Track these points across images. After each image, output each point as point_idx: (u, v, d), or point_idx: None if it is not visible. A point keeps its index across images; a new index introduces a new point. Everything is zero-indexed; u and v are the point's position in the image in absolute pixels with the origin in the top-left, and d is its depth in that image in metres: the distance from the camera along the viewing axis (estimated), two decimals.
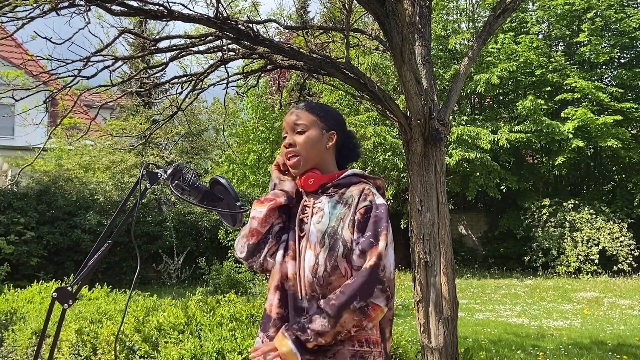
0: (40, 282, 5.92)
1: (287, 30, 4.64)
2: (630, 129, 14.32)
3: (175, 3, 3.14)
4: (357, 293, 1.45)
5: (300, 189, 1.67)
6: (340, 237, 1.53)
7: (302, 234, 1.60)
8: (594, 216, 13.46)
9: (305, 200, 1.65)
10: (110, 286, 5.69)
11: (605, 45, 14.30)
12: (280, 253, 1.61)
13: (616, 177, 15.87)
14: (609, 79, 15.26)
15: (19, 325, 4.23)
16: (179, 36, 3.66)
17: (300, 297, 1.55)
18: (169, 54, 3.80)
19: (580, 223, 13.45)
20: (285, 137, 1.68)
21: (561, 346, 5.88)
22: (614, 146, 13.00)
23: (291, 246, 1.59)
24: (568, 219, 13.59)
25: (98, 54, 3.56)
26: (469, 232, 16.55)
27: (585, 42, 14.01)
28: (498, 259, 14.95)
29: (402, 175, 13.53)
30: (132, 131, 13.22)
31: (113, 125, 14.75)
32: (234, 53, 3.82)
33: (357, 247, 1.51)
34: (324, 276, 1.51)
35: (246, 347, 2.80)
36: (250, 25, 3.19)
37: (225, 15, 3.09)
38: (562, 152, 13.52)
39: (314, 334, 1.44)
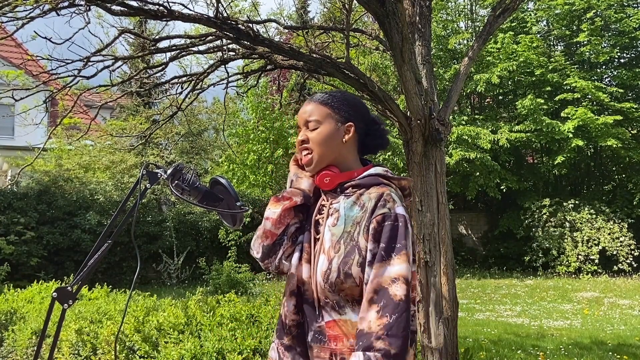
0: (40, 282, 5.93)
1: (287, 30, 4.64)
2: (630, 129, 14.32)
3: (175, 3, 3.15)
4: (405, 339, 1.30)
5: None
6: (357, 244, 1.40)
7: (317, 236, 1.49)
8: (594, 216, 13.46)
9: (323, 200, 1.54)
10: (110, 286, 5.69)
11: (605, 45, 14.30)
12: (296, 255, 1.51)
13: (616, 177, 15.87)
14: (609, 79, 15.26)
15: (19, 325, 4.24)
16: (179, 36, 3.66)
17: (314, 303, 1.46)
18: (169, 54, 3.80)
19: (581, 223, 13.45)
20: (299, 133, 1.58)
21: (561, 346, 5.88)
22: (614, 146, 13.00)
23: (306, 249, 1.50)
24: (568, 219, 13.60)
25: (98, 54, 3.56)
26: (469, 232, 16.55)
27: (585, 42, 14.01)
28: (498, 259, 14.95)
29: (402, 175, 13.53)
30: (132, 131, 13.22)
31: (113, 125, 14.75)
32: (234, 53, 3.82)
33: (370, 257, 1.37)
34: (337, 282, 1.40)
35: (246, 347, 2.80)
36: (250, 25, 3.19)
37: (225, 15, 3.09)
38: (562, 152, 13.53)
39: None
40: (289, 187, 1.60)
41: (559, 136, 13.22)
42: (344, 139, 1.52)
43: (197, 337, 3.00)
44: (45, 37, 3.14)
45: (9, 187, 11.57)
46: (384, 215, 1.38)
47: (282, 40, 4.56)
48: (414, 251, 1.44)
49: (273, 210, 1.54)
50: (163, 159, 15.56)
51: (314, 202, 1.57)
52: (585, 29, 13.62)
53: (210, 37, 3.61)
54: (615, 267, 13.05)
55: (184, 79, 4.19)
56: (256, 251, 1.57)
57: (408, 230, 1.39)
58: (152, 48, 3.83)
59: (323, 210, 1.52)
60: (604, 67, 14.85)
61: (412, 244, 1.43)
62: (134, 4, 3.07)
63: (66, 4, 3.01)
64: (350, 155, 1.55)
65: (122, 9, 2.97)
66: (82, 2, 2.99)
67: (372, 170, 1.51)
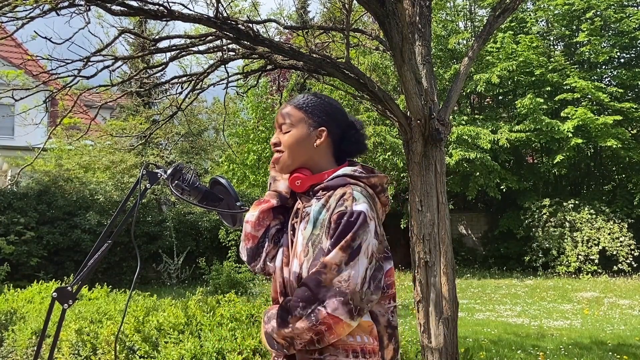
0: (40, 282, 5.92)
1: (287, 30, 4.64)
2: (630, 129, 14.32)
3: (175, 3, 3.15)
4: (300, 300, 1.37)
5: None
6: (322, 248, 1.43)
7: (294, 239, 1.53)
8: (594, 216, 13.46)
9: (299, 203, 1.56)
10: (110, 286, 5.69)
11: (605, 45, 14.30)
12: (278, 259, 1.54)
13: (616, 177, 15.87)
14: (608, 79, 15.26)
15: (19, 325, 4.23)
16: (179, 36, 3.66)
17: None
18: (169, 54, 3.81)
19: (580, 223, 13.45)
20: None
21: (561, 346, 5.88)
22: (614, 146, 13.00)
23: (284, 252, 1.53)
24: (568, 219, 13.59)
25: (98, 54, 3.57)
26: (469, 232, 16.55)
27: (584, 42, 14.02)
28: (498, 259, 14.95)
29: (402, 175, 13.53)
30: (132, 131, 13.20)
31: (113, 125, 14.73)
32: (234, 53, 3.82)
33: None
34: None
35: (246, 347, 2.80)
36: (250, 25, 3.19)
37: (225, 15, 3.09)
38: (561, 151, 13.53)
39: (272, 330, 1.43)
40: (268, 190, 1.64)
41: (558, 136, 13.22)
42: (315, 144, 1.54)
43: (197, 337, 3.00)
44: (45, 37, 3.14)
45: (9, 187, 11.57)
46: (340, 213, 1.41)
47: (282, 40, 4.56)
48: (383, 247, 1.47)
49: (252, 213, 1.59)
50: (163, 159, 15.56)
51: (292, 204, 1.60)
52: (585, 29, 13.62)
53: (210, 37, 3.62)
54: (615, 267, 13.05)
55: (184, 79, 4.19)
56: (243, 254, 1.61)
57: (366, 225, 1.39)
58: (152, 48, 3.83)
59: (298, 214, 1.55)
60: (603, 67, 14.85)
61: (378, 239, 1.44)
62: (134, 4, 3.08)
63: (66, 4, 3.01)
64: (323, 159, 1.56)
65: (122, 9, 2.97)
66: (82, 2, 2.99)
67: (340, 172, 1.52)
